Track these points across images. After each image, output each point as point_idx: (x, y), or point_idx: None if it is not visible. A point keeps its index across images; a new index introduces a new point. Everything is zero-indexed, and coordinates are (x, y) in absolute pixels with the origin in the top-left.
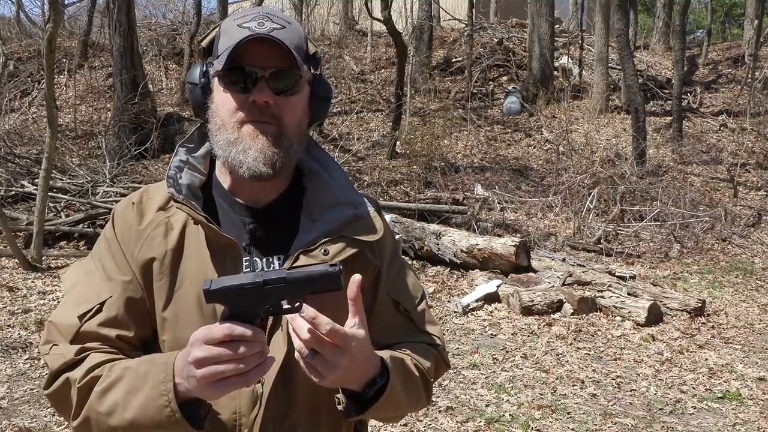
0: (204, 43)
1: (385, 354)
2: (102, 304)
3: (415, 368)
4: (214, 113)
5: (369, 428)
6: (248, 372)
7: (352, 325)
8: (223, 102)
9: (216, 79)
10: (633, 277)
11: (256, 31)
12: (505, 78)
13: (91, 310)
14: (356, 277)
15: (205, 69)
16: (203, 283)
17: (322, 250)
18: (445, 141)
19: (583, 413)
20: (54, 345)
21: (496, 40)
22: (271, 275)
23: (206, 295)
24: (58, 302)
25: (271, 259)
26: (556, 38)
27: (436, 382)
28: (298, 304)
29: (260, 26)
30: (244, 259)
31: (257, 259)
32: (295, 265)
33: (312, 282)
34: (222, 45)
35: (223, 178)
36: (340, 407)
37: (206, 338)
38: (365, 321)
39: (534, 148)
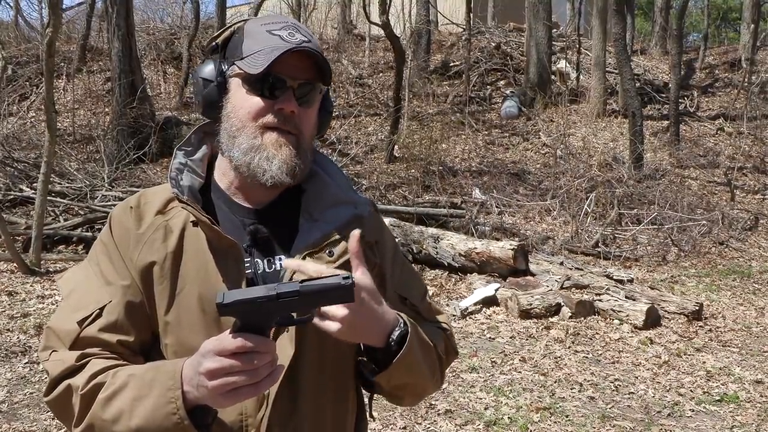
0: (219, 41)
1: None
2: (102, 309)
3: (429, 340)
4: (230, 114)
5: (370, 429)
6: (259, 382)
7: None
8: (244, 104)
9: (236, 79)
10: (631, 281)
11: (293, 42)
12: (502, 82)
13: (90, 315)
14: (356, 232)
15: (221, 67)
16: (216, 297)
17: (327, 251)
18: (443, 145)
19: (582, 416)
20: (53, 351)
21: (493, 44)
22: (285, 288)
23: (219, 309)
24: (57, 306)
25: (272, 260)
26: (553, 42)
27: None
28: (309, 315)
29: (291, 36)
30: (245, 260)
31: (258, 260)
32: (305, 279)
33: (325, 294)
34: (248, 47)
35: (222, 180)
36: (364, 369)
37: (218, 350)
38: (368, 273)
39: (532, 151)
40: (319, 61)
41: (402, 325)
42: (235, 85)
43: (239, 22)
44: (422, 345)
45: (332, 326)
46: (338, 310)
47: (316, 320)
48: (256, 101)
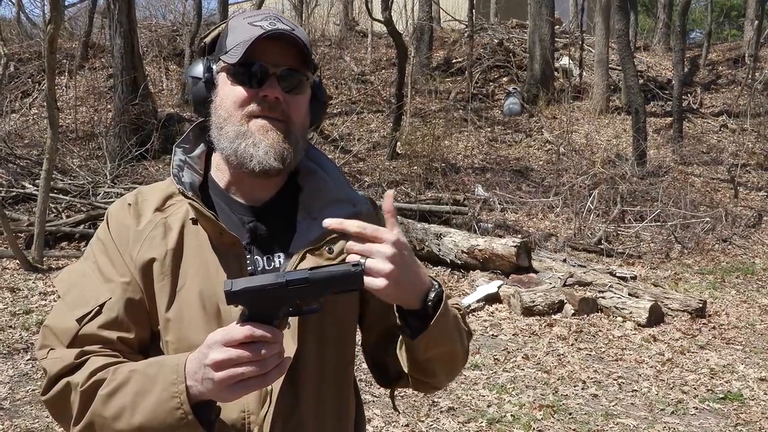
0: (207, 40)
1: None
2: (101, 306)
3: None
4: (218, 106)
5: (370, 428)
6: (267, 373)
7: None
8: (230, 94)
9: (223, 73)
10: (634, 278)
11: (271, 29)
12: (505, 79)
13: (90, 312)
14: (390, 192)
15: (209, 65)
16: (224, 285)
17: (327, 249)
18: (446, 142)
19: (585, 414)
20: (51, 349)
21: (496, 41)
22: (294, 276)
23: (228, 297)
24: (54, 305)
25: (271, 257)
26: (556, 39)
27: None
28: (318, 304)
29: (272, 26)
30: (246, 257)
31: (258, 257)
32: (309, 266)
33: (334, 282)
34: (231, 41)
35: (220, 177)
36: (404, 333)
37: (226, 340)
38: (402, 233)
39: (534, 148)
40: (301, 48)
41: (437, 286)
42: (222, 79)
43: (225, 21)
44: (452, 311)
45: (378, 282)
46: (384, 264)
47: (367, 282)
48: (240, 90)
